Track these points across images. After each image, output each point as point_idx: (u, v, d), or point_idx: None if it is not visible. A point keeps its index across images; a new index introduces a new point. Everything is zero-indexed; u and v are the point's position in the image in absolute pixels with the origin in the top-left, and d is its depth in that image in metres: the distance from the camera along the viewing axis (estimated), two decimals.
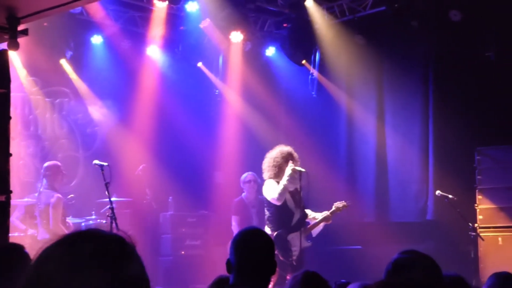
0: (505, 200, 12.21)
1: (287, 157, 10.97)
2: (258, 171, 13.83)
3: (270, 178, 10.84)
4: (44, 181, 11.94)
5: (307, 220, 11.07)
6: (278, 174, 10.81)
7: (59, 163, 12.23)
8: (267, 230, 10.61)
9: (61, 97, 14.97)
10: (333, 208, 11.23)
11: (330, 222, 11.31)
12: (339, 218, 14.31)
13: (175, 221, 14.64)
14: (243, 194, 13.43)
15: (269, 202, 10.80)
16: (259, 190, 13.42)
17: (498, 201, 12.25)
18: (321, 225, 11.20)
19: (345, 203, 11.36)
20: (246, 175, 13.45)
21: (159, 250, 14.74)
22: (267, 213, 10.87)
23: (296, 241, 10.66)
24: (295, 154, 11.01)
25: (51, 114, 14.85)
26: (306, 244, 10.89)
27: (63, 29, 13.71)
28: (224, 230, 13.62)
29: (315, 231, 11.18)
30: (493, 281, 5.25)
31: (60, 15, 12.61)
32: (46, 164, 12.13)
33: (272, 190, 10.67)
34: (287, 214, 10.77)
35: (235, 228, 13.01)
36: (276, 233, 10.66)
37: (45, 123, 14.81)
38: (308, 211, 11.11)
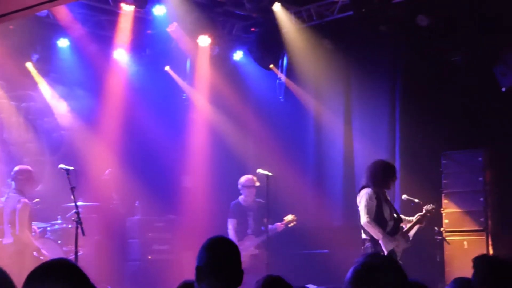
0: (471, 204, 12.29)
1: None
2: (226, 175, 13.84)
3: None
4: (13, 184, 11.81)
5: (401, 224, 11.02)
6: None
7: (31, 168, 12.11)
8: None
9: (27, 101, 14.85)
10: (424, 212, 11.18)
11: (423, 224, 11.25)
12: (307, 222, 14.39)
13: (142, 226, 14.57)
14: (240, 197, 13.34)
15: None
16: (257, 193, 13.37)
17: (464, 205, 12.33)
18: (415, 228, 11.17)
19: (433, 206, 11.35)
20: (246, 179, 13.29)
21: (126, 254, 14.66)
22: None
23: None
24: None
25: (17, 118, 14.73)
26: (406, 245, 10.82)
27: (29, 32, 13.59)
28: (192, 234, 13.58)
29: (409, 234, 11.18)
30: (453, 286, 5.27)
31: (26, 18, 12.53)
32: (18, 168, 11.97)
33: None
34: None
35: (230, 232, 12.93)
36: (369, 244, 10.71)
37: (11, 127, 14.68)
38: (402, 216, 11.08)
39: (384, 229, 10.57)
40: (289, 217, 12.87)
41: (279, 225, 12.97)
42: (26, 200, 11.70)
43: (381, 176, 10.69)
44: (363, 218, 10.52)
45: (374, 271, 3.85)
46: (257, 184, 13.24)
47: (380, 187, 10.70)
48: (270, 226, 12.98)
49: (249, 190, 13.24)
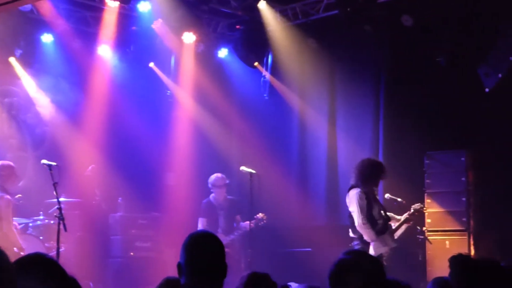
0: (453, 204, 12.35)
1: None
2: (210, 173, 13.83)
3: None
4: None
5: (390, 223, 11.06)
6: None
7: (12, 164, 12.06)
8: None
9: (10, 96, 14.78)
10: (412, 211, 11.22)
11: (411, 223, 11.39)
12: (290, 220, 14.40)
13: (125, 223, 14.53)
14: (211, 196, 13.39)
15: None
16: (228, 191, 13.45)
17: (446, 205, 12.39)
18: (403, 227, 11.20)
19: (421, 205, 11.41)
20: (215, 179, 13.38)
21: (108, 251, 14.62)
22: None
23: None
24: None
25: None
26: (393, 245, 10.86)
27: (12, 27, 13.50)
28: (175, 232, 13.56)
29: (396, 234, 11.19)
30: (432, 286, 5.30)
31: (10, 12, 12.46)
32: None
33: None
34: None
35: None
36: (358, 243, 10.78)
37: None
38: (390, 214, 11.11)
39: (374, 228, 10.59)
40: (259, 216, 12.89)
41: (248, 224, 12.96)
42: (9, 197, 11.64)
43: (369, 175, 10.73)
44: (358, 220, 10.55)
45: (345, 271, 3.88)
46: (227, 182, 13.36)
47: (369, 186, 10.73)
48: (241, 224, 13.07)
49: (219, 189, 13.35)
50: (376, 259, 3.99)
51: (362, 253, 4.06)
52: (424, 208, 12.21)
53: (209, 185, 13.44)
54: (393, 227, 11.04)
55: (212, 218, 13.28)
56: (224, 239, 12.93)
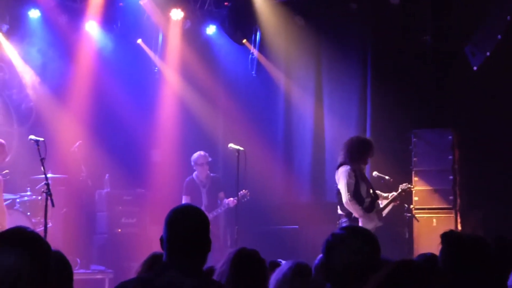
0: (440, 182, 12.41)
1: None
2: (196, 150, 13.83)
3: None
4: None
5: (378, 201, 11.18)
6: None
7: (3, 141, 12.05)
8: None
9: None
10: (399, 190, 11.30)
11: (398, 203, 11.51)
12: (276, 198, 14.43)
13: (111, 199, 14.52)
14: (194, 174, 13.50)
15: None
16: (210, 169, 13.53)
17: (433, 183, 12.44)
18: (390, 206, 11.28)
19: (409, 185, 11.46)
20: (197, 157, 13.47)
21: (94, 227, 14.63)
22: None
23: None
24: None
25: None
26: (379, 223, 10.95)
27: None
28: (160, 208, 13.55)
29: (384, 212, 11.28)
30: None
31: None
32: None
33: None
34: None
35: None
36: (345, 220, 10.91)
37: None
38: (378, 192, 11.23)
39: (361, 206, 10.65)
40: (242, 192, 12.94)
41: (231, 201, 13.07)
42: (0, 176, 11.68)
43: (357, 152, 10.82)
44: (344, 197, 10.62)
45: (333, 246, 3.91)
46: (209, 159, 13.53)
47: (357, 163, 10.83)
48: (224, 200, 13.16)
49: (201, 167, 13.46)
50: (368, 235, 4.00)
51: (353, 228, 4.08)
52: (412, 187, 12.26)
53: (192, 163, 13.53)
54: (381, 206, 11.10)
55: (195, 195, 13.41)
56: (207, 216, 12.98)
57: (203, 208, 13.03)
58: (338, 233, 4.01)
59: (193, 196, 13.37)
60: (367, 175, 11.48)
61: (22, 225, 3.37)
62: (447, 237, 4.43)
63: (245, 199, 12.93)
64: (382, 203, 11.16)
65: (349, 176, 10.69)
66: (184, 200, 13.34)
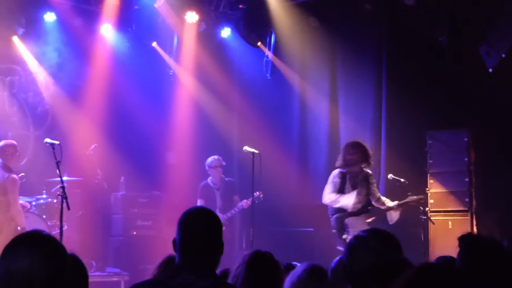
0: (456, 184, 12.35)
1: None
2: (211, 153, 13.87)
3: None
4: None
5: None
6: None
7: (16, 143, 12.10)
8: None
9: (11, 74, 14.75)
10: (406, 199, 11.43)
11: (398, 212, 11.58)
12: (291, 200, 14.43)
13: (127, 202, 14.56)
14: (209, 178, 13.65)
15: None
16: (225, 171, 13.65)
17: (449, 185, 12.39)
18: (397, 213, 11.44)
19: (420, 197, 11.57)
20: (211, 160, 13.65)
21: (110, 230, 14.67)
22: None
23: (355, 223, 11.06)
24: None
25: (1, 92, 14.64)
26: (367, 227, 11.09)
27: (14, 5, 13.48)
28: (176, 211, 13.54)
29: (391, 218, 11.37)
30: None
31: None
32: (3, 143, 11.95)
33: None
34: None
35: None
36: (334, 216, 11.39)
37: None
38: (383, 198, 11.52)
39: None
40: (255, 194, 12.98)
41: (245, 202, 13.24)
42: (15, 176, 11.71)
43: (345, 157, 11.22)
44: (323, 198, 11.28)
45: (356, 249, 3.93)
46: (223, 163, 13.77)
47: (347, 167, 11.17)
48: (239, 203, 13.28)
49: (215, 170, 13.68)
50: (390, 238, 4.01)
51: (376, 231, 4.08)
52: (426, 189, 12.25)
53: (206, 167, 13.68)
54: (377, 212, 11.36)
55: (210, 199, 13.58)
56: (221, 217, 13.04)
57: (217, 211, 13.10)
58: (361, 235, 4.03)
59: (208, 200, 13.53)
60: (382, 177, 11.50)
61: (38, 228, 3.40)
62: (465, 240, 4.42)
63: (258, 201, 12.96)
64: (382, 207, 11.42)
65: (333, 177, 11.38)
66: (199, 203, 13.43)
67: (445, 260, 5.46)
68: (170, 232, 13.80)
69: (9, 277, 3.02)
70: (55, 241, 3.22)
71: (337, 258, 5.08)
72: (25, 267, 3.03)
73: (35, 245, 3.12)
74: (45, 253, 3.09)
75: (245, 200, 13.22)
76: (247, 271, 4.99)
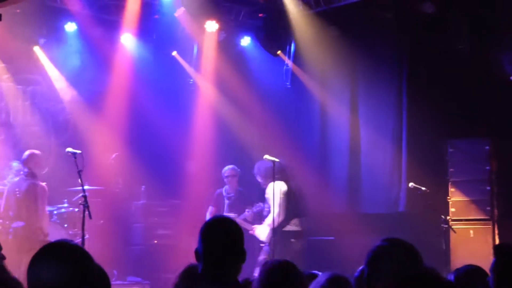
0: (477, 192, 12.30)
1: None
2: (231, 162, 13.88)
3: None
4: (26, 169, 11.99)
5: None
6: None
7: (39, 152, 12.29)
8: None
9: (33, 84, 14.86)
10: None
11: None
12: (312, 209, 14.39)
13: (147, 211, 14.61)
14: (225, 187, 13.65)
15: None
16: (243, 181, 13.66)
17: (470, 194, 12.34)
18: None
19: None
20: (227, 170, 13.63)
21: (130, 239, 14.71)
22: None
23: None
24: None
25: (22, 102, 14.74)
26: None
27: (36, 15, 13.56)
28: (196, 219, 13.58)
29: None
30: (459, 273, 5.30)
31: (33, 1, 12.50)
32: (29, 152, 12.13)
33: None
34: None
35: (207, 217, 13.08)
36: None
37: (16, 110, 14.70)
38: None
39: None
40: (258, 204, 13.03)
41: (247, 212, 13.22)
42: (44, 184, 11.89)
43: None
44: None
45: (377, 258, 3.92)
46: (238, 171, 13.86)
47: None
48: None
49: (231, 179, 13.58)
50: (411, 248, 4.00)
51: (396, 240, 4.07)
52: (447, 197, 12.21)
53: (223, 176, 13.69)
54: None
55: (220, 207, 13.56)
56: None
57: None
58: (382, 244, 4.02)
59: (218, 208, 13.56)
60: (403, 186, 11.47)
61: (65, 238, 3.44)
62: (501, 249, 4.43)
63: (256, 210, 13.01)
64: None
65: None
66: (209, 211, 13.52)
67: (472, 269, 5.46)
68: (190, 241, 13.77)
69: (39, 286, 3.04)
70: (83, 251, 3.24)
71: (360, 267, 5.07)
72: (55, 276, 3.05)
73: (64, 254, 3.13)
74: (74, 262, 3.11)
75: (246, 211, 13.15)
76: (268, 281, 4.98)
